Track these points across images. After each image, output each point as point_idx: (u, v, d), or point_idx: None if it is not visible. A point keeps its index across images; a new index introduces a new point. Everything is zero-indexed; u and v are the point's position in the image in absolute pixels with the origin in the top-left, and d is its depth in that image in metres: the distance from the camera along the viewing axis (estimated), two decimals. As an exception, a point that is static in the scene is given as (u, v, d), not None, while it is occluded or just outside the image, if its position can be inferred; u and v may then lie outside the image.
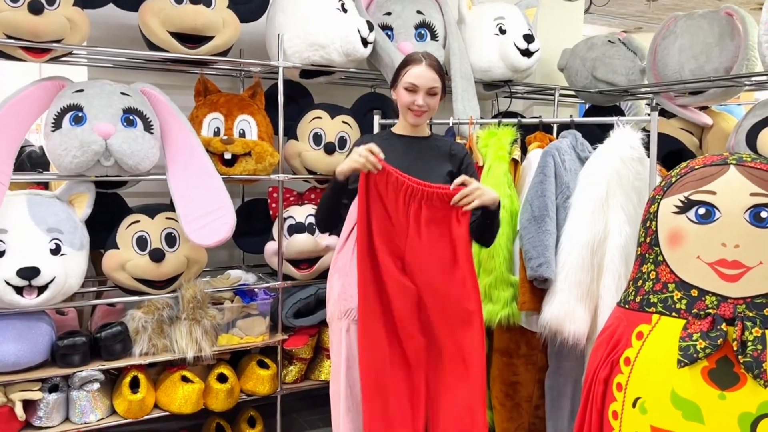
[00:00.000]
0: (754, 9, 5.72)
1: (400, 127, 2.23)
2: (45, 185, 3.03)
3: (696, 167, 1.78)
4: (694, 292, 1.69)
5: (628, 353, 1.77)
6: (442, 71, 2.15)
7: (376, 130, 2.95)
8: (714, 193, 1.69)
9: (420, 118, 2.13)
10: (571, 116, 2.64)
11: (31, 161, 3.21)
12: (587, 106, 4.28)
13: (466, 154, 2.22)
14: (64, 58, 2.80)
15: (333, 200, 2.13)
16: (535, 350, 2.47)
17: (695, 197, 1.71)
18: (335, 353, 2.49)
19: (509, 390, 2.50)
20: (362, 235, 2.05)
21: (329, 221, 2.24)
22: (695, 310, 1.67)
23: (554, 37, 4.19)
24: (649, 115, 2.38)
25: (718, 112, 3.80)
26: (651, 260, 1.81)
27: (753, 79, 3.16)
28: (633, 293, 1.85)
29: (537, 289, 2.32)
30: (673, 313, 1.71)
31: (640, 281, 1.83)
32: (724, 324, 1.61)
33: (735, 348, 1.58)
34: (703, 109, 3.78)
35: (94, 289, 3.03)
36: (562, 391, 2.33)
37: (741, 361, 1.57)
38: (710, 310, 1.64)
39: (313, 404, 3.40)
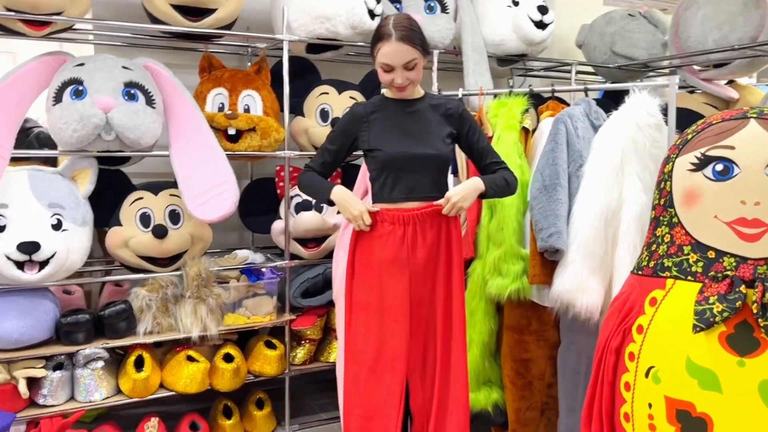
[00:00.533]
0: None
1: (391, 92, 2.11)
2: (52, 164, 3.01)
3: (714, 122, 1.66)
4: (711, 254, 1.58)
5: (641, 321, 1.67)
6: (418, 36, 1.97)
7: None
8: (732, 147, 1.58)
9: (404, 92, 2.02)
10: (585, 85, 2.53)
11: (39, 142, 3.19)
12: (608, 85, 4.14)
13: (463, 109, 2.11)
14: (66, 35, 2.79)
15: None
16: (547, 326, 2.36)
17: (712, 153, 1.60)
18: (341, 332, 2.43)
19: (520, 368, 2.40)
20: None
21: None
22: (712, 273, 1.56)
23: (573, 15, 4.07)
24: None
25: (744, 85, 3.65)
26: (665, 222, 1.70)
27: (780, 47, 3.02)
28: (647, 258, 1.74)
29: (548, 262, 2.22)
30: (689, 277, 1.60)
31: (654, 245, 1.73)
32: (743, 286, 1.50)
33: (755, 311, 1.47)
34: (729, 83, 3.64)
35: (101, 268, 3.01)
36: (576, 369, 2.23)
37: (761, 325, 1.46)
38: (728, 272, 1.53)
39: (324, 388, 3.33)
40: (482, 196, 2.05)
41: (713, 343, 1.52)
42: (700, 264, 1.59)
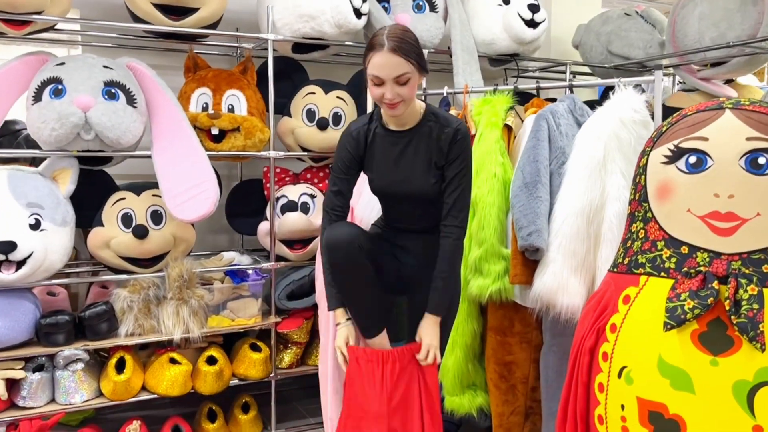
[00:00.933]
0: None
1: (390, 122, 1.99)
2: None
3: (688, 114, 1.61)
4: (684, 249, 1.52)
5: (615, 319, 1.61)
6: (413, 49, 1.82)
7: (369, 107, 2.83)
8: (706, 139, 1.52)
9: (396, 109, 1.86)
10: (571, 80, 2.48)
11: (28, 143, 3.17)
12: (605, 89, 4.08)
13: (454, 141, 1.92)
14: (52, 35, 2.79)
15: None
16: (530, 327, 2.30)
17: (685, 145, 1.55)
18: (323, 333, 2.40)
19: (504, 371, 2.34)
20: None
21: None
22: (685, 269, 1.50)
23: (570, 15, 4.02)
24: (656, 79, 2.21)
25: (744, 85, 3.57)
26: (640, 218, 1.64)
27: (778, 44, 2.94)
28: (622, 255, 1.68)
29: (529, 261, 2.17)
30: (662, 273, 1.54)
31: (629, 242, 1.67)
32: (715, 282, 1.44)
33: (727, 308, 1.41)
34: (728, 83, 3.56)
35: (88, 269, 2.99)
36: (558, 371, 2.16)
37: (734, 322, 1.39)
38: (701, 268, 1.47)
39: (312, 392, 3.27)
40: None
41: (685, 342, 1.46)
42: (674, 260, 1.53)
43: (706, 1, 3.22)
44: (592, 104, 2.82)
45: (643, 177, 1.65)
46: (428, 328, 1.98)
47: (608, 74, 3.78)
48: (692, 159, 1.53)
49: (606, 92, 4.04)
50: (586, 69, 3.85)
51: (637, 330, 1.54)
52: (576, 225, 2.08)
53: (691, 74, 3.46)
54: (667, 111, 2.61)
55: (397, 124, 1.97)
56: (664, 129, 1.64)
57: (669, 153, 1.57)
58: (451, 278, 1.99)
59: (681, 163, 1.55)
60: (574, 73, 3.91)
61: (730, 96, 3.44)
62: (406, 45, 1.82)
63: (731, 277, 1.43)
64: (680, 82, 3.82)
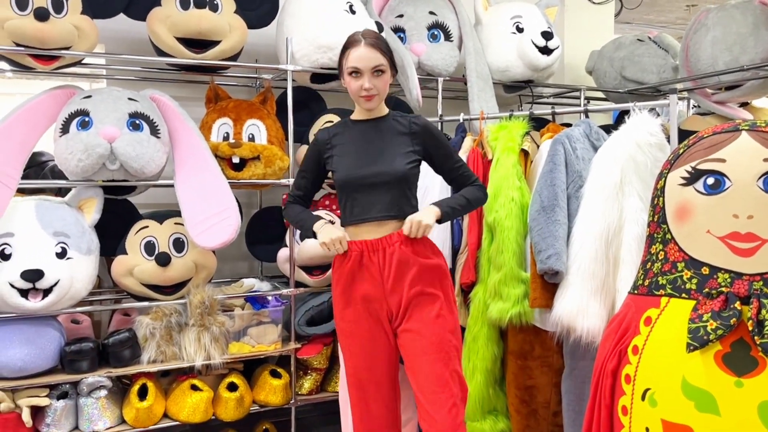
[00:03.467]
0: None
1: (356, 113, 2.13)
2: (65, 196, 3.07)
3: (705, 136, 1.63)
4: (705, 270, 1.52)
5: (636, 341, 1.61)
6: (387, 47, 2.02)
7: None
8: (723, 160, 1.54)
9: (371, 101, 2.01)
10: (586, 104, 2.51)
11: (53, 175, 3.26)
12: (620, 113, 4.11)
13: (428, 124, 2.09)
14: (78, 70, 2.87)
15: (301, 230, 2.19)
16: (551, 351, 2.30)
17: (703, 166, 1.56)
18: (342, 359, 2.41)
19: (525, 395, 2.34)
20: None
21: None
22: (707, 290, 1.50)
23: (583, 43, 4.07)
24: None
25: (759, 108, 3.58)
26: (659, 239, 1.65)
27: (791, 67, 2.96)
28: (642, 277, 1.69)
29: (549, 284, 2.17)
30: (683, 295, 1.55)
31: (649, 263, 1.68)
32: (738, 303, 1.44)
33: (750, 329, 1.41)
34: (744, 105, 3.57)
35: (111, 297, 3.03)
36: (579, 395, 2.16)
37: (758, 343, 1.39)
38: (723, 289, 1.48)
39: (331, 418, 3.27)
40: (439, 221, 2.01)
41: (709, 363, 1.45)
42: (694, 281, 1.53)
43: (718, 25, 3.25)
44: (608, 129, 2.85)
45: (661, 199, 1.66)
46: (422, 210, 2.02)
47: (622, 99, 3.82)
48: (710, 180, 1.54)
49: (621, 117, 4.07)
50: (600, 94, 3.88)
51: (660, 352, 1.54)
52: (594, 248, 2.09)
53: (706, 98, 3.48)
54: (683, 134, 2.62)
55: (366, 115, 2.09)
56: (680, 151, 1.65)
57: (687, 175, 1.59)
58: (467, 207, 2.08)
59: (699, 185, 1.56)
60: (588, 99, 3.95)
61: (745, 118, 3.46)
62: (381, 43, 2.01)
63: (753, 297, 1.43)
64: (695, 106, 3.84)
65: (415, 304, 1.98)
